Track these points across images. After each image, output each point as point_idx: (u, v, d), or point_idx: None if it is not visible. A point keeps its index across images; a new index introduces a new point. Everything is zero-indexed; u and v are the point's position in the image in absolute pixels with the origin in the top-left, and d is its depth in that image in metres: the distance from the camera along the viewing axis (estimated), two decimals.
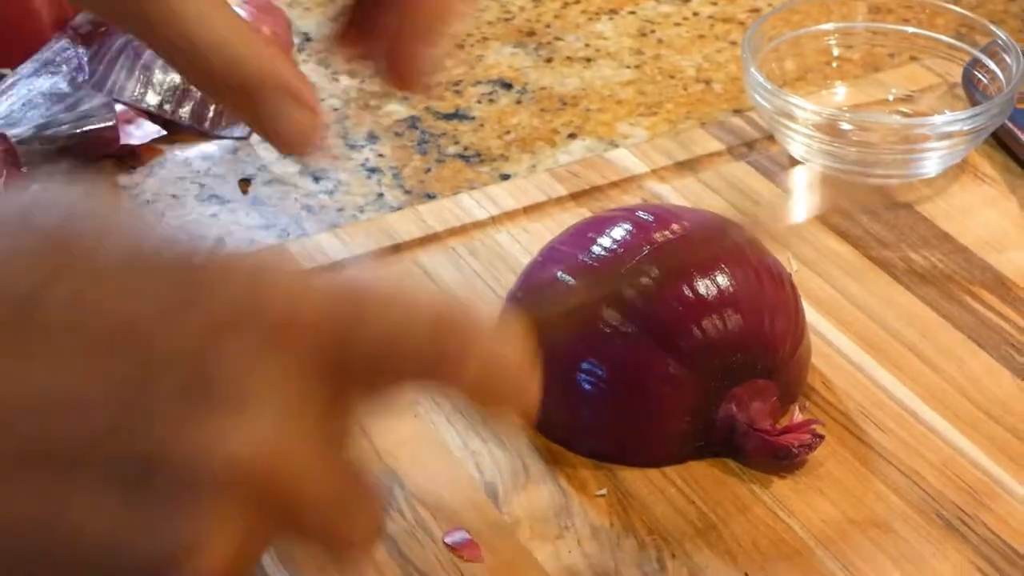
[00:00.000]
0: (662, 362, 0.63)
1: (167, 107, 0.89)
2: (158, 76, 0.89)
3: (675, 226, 0.65)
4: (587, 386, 0.64)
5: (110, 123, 0.85)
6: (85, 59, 0.90)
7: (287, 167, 0.86)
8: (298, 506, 0.38)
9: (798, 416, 0.65)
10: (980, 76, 0.86)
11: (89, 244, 0.37)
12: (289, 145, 0.54)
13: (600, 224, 0.67)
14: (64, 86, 0.88)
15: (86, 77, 0.89)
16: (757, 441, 0.63)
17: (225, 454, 0.35)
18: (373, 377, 0.41)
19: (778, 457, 0.63)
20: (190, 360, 0.36)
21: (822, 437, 0.64)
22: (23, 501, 0.35)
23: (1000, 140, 0.86)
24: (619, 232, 0.65)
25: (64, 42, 0.91)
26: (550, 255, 0.68)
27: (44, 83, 0.88)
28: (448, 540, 0.61)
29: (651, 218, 0.66)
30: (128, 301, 0.36)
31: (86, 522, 0.35)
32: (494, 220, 0.80)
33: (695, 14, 1.01)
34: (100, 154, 0.86)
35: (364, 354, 0.39)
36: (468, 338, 0.41)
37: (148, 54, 0.90)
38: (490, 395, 0.42)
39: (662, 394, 0.64)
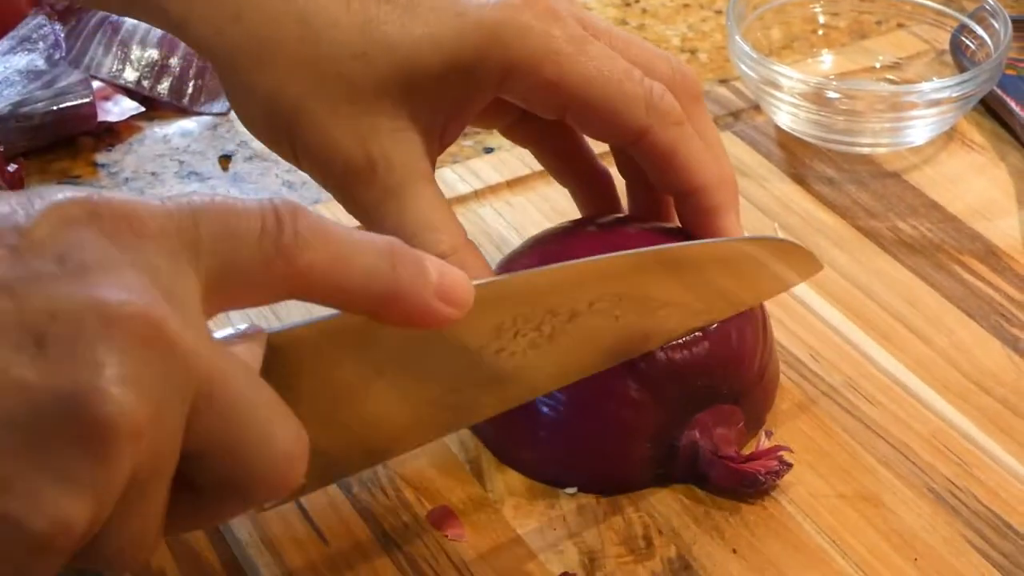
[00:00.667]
0: (623, 385, 0.60)
1: (145, 83, 0.88)
2: (136, 52, 0.88)
3: (644, 243, 0.62)
4: (545, 409, 0.61)
5: (87, 100, 0.84)
6: (62, 35, 0.89)
7: None
8: (193, 363, 0.41)
9: (764, 442, 0.63)
10: (968, 42, 0.86)
11: None
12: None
13: (561, 239, 0.64)
14: (41, 63, 0.87)
15: (63, 54, 0.88)
16: (722, 469, 0.61)
17: (106, 299, 0.40)
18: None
19: (744, 485, 0.61)
20: (53, 245, 0.40)
21: (790, 465, 0.61)
22: None
23: (989, 107, 0.85)
24: (582, 247, 0.61)
25: (40, 18, 0.90)
26: (509, 269, 0.63)
27: (20, 60, 0.87)
28: (432, 518, 0.60)
29: (616, 236, 0.64)
30: None
31: (5, 370, 0.39)
32: (477, 194, 0.79)
33: None
34: (78, 131, 0.85)
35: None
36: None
37: (125, 30, 0.89)
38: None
39: (623, 419, 0.60)
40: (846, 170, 0.81)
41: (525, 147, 0.69)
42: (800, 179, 0.80)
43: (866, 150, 0.82)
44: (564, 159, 0.68)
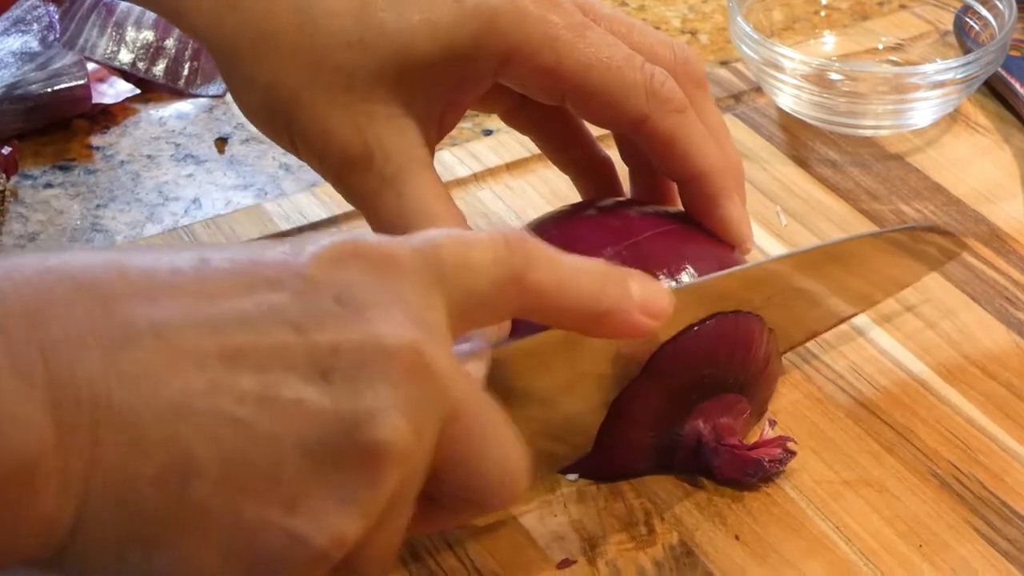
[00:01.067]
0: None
1: (140, 65, 0.87)
2: (131, 34, 0.88)
3: (645, 226, 0.62)
4: None
5: (81, 81, 0.83)
6: (56, 17, 0.88)
7: None
8: (448, 388, 0.45)
9: (768, 431, 0.62)
10: (972, 23, 0.85)
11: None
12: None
13: (561, 223, 0.63)
14: (35, 45, 0.86)
15: (57, 35, 0.87)
16: (727, 457, 0.60)
17: (384, 336, 0.44)
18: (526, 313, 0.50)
19: (748, 474, 0.60)
20: (331, 285, 0.45)
21: (794, 453, 0.61)
22: (241, 388, 0.42)
23: (993, 89, 0.84)
24: (583, 231, 0.62)
25: (34, 0, 0.89)
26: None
27: (14, 42, 0.86)
28: None
29: (617, 220, 0.63)
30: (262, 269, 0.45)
31: (302, 401, 0.43)
32: (476, 177, 0.78)
33: None
34: (72, 114, 0.84)
35: (531, 296, 0.49)
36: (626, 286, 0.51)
37: (120, 11, 0.88)
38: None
39: (627, 406, 0.59)
40: (849, 152, 0.80)
41: (525, 133, 0.68)
42: (802, 162, 0.80)
43: (869, 132, 0.81)
44: (564, 145, 0.68)
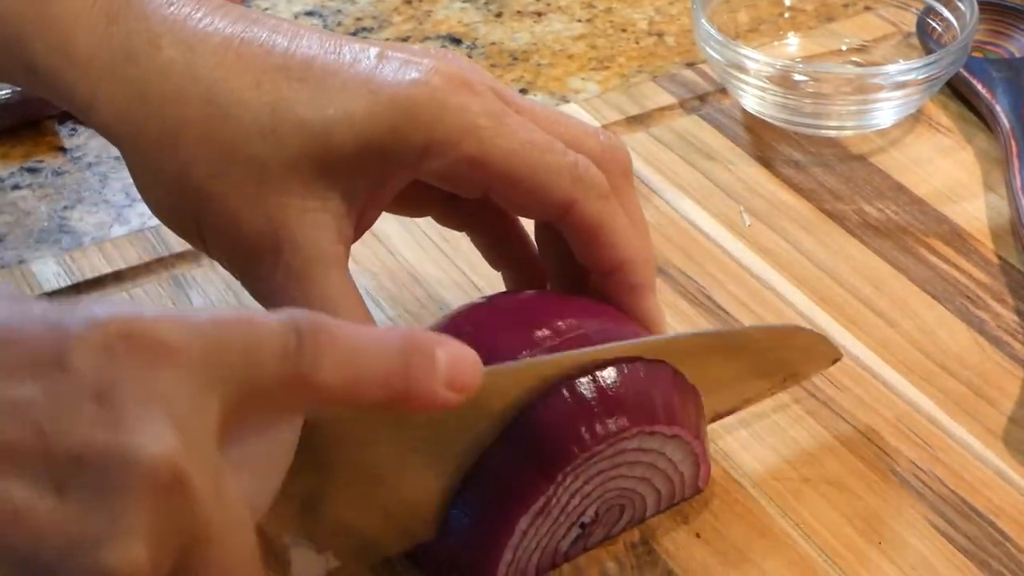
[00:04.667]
0: (528, 488, 0.55)
1: None
2: None
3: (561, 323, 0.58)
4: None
5: None
6: None
7: None
8: (201, 511, 0.41)
9: None
10: (934, 24, 0.85)
11: None
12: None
13: (477, 312, 0.60)
14: None
15: None
16: None
17: (137, 453, 0.39)
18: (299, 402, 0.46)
19: None
20: (92, 380, 0.40)
21: None
22: None
23: (955, 89, 0.85)
24: (496, 322, 0.59)
25: None
26: None
27: None
28: None
29: (531, 305, 0.60)
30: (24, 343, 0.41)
31: (24, 513, 0.39)
32: None
33: None
34: (42, 114, 0.84)
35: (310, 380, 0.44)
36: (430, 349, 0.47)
37: None
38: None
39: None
40: (812, 153, 0.81)
41: (461, 231, 0.66)
42: (766, 162, 0.80)
43: (832, 133, 0.81)
44: (498, 243, 0.65)
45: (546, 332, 0.57)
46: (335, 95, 0.56)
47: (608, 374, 0.55)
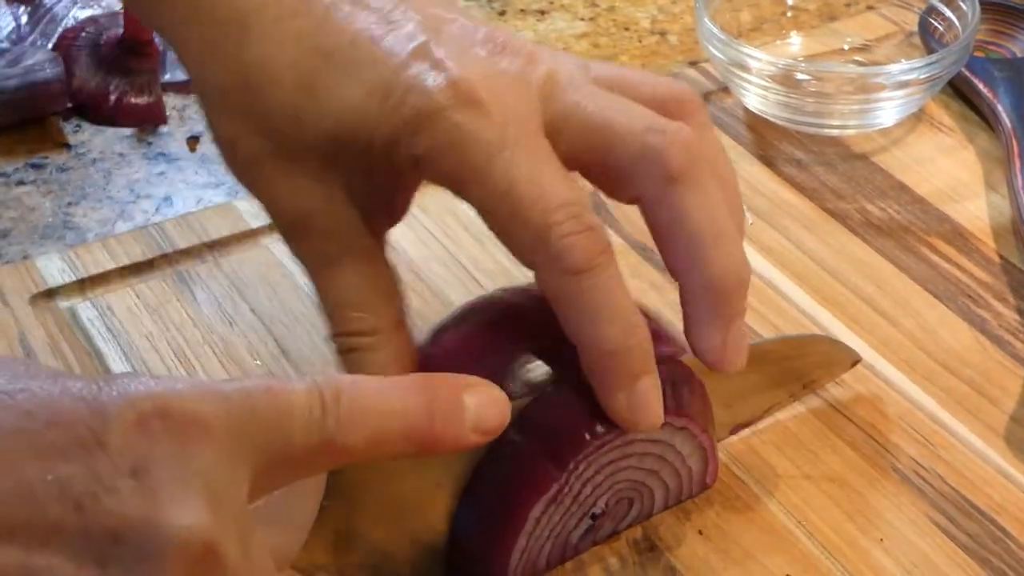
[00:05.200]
0: (541, 476, 0.55)
1: None
2: None
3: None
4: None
5: (58, 75, 0.84)
6: (23, 19, 0.88)
7: None
8: None
9: None
10: (936, 24, 0.86)
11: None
12: None
13: (488, 312, 0.60)
14: (3, 42, 0.86)
15: (26, 33, 0.87)
16: None
17: (171, 527, 0.41)
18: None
19: None
20: (129, 457, 0.42)
21: None
22: (5, 565, 0.40)
23: (957, 89, 0.85)
24: (508, 323, 0.58)
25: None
26: (437, 340, 0.60)
27: None
28: None
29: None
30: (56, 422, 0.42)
31: None
32: None
33: None
34: (49, 110, 0.85)
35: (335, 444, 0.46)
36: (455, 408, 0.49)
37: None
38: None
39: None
40: (815, 152, 0.81)
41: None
42: (768, 161, 0.80)
43: (835, 132, 0.82)
44: None
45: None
46: (357, 88, 0.55)
47: None
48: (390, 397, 0.48)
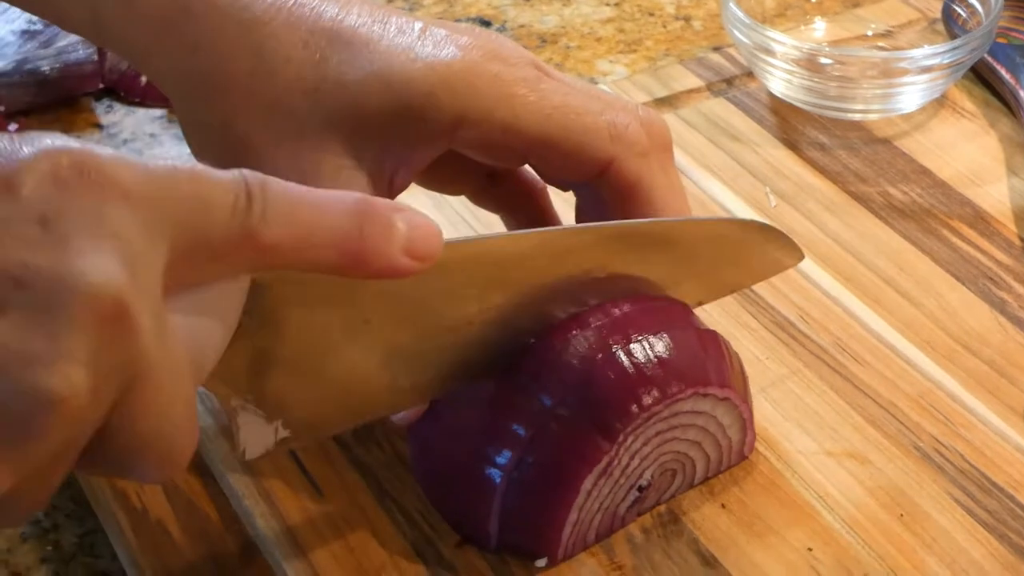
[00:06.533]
0: (594, 446, 0.56)
1: None
2: None
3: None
4: (496, 479, 0.57)
5: (90, 57, 0.85)
6: None
7: None
8: (143, 348, 0.41)
9: None
10: (959, 11, 0.86)
11: None
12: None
13: None
14: (37, 24, 0.87)
15: None
16: None
17: (80, 278, 0.39)
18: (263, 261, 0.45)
19: None
20: (39, 205, 0.40)
21: None
22: None
23: (979, 75, 0.86)
24: None
25: None
26: None
27: (16, 23, 0.88)
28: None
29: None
30: None
31: None
32: None
33: None
34: (81, 90, 0.86)
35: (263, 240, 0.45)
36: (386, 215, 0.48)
37: None
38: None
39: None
40: (838, 136, 0.82)
41: (495, 212, 0.67)
42: (792, 145, 0.81)
43: (858, 116, 0.82)
44: (531, 226, 0.65)
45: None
46: (376, 59, 0.57)
47: (663, 338, 0.57)
48: (320, 200, 0.47)
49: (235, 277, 0.47)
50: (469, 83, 0.57)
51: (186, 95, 0.59)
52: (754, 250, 0.63)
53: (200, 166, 0.45)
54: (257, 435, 0.54)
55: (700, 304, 0.64)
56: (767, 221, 0.66)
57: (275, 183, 0.46)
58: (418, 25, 0.59)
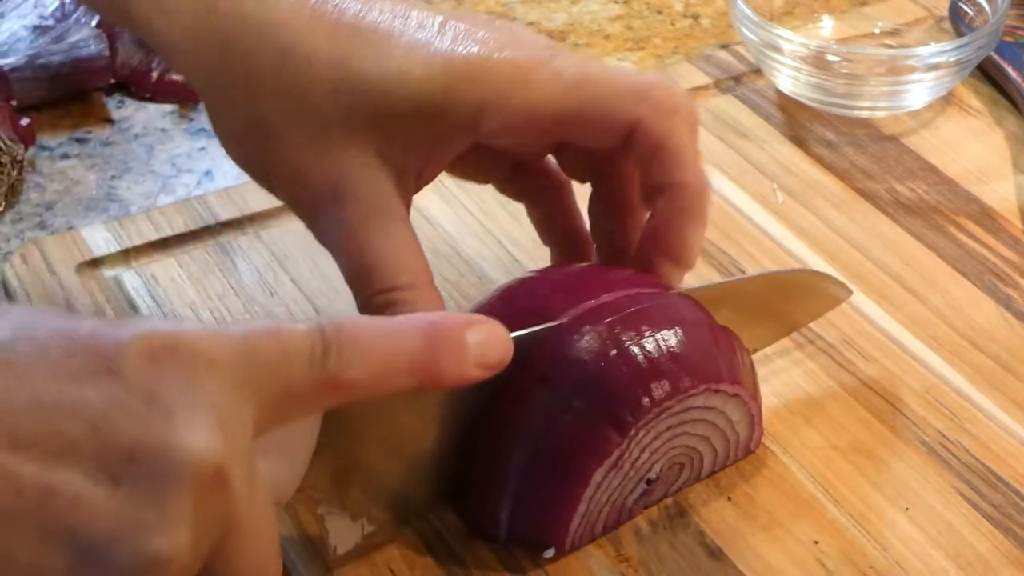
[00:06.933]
0: (603, 437, 0.57)
1: None
2: None
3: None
4: (508, 470, 0.57)
5: (102, 52, 0.85)
6: None
7: None
8: (236, 504, 0.45)
9: None
10: (966, 9, 0.87)
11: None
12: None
13: (528, 285, 0.61)
14: (48, 20, 0.88)
15: (70, 8, 0.89)
16: None
17: (185, 449, 0.43)
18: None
19: None
20: (142, 385, 0.44)
21: None
22: (22, 477, 0.42)
23: (986, 73, 0.86)
24: (548, 293, 0.60)
25: None
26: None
27: (27, 17, 0.88)
28: None
29: (582, 278, 0.62)
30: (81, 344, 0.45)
31: (83, 499, 0.42)
32: None
33: None
34: (92, 85, 0.86)
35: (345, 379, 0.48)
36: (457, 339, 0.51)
37: None
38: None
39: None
40: (845, 133, 0.82)
41: (519, 201, 0.67)
42: (800, 141, 0.82)
43: (865, 114, 0.83)
44: (554, 217, 0.66)
45: (594, 295, 0.59)
46: (397, 55, 0.58)
47: (676, 334, 0.58)
48: (392, 332, 0.50)
49: (319, 412, 0.51)
50: (486, 73, 0.58)
51: (213, 92, 0.61)
52: (806, 293, 0.66)
53: (277, 323, 0.48)
54: (345, 535, 0.57)
55: (757, 350, 0.65)
56: (813, 268, 0.70)
57: (350, 325, 0.49)
58: (438, 20, 0.60)
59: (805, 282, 0.67)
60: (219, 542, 0.45)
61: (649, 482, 0.59)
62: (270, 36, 0.59)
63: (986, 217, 0.76)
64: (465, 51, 0.58)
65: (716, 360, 0.58)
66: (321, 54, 0.58)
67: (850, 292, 0.67)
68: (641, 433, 0.57)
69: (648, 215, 0.62)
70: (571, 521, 0.57)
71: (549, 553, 0.58)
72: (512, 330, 0.56)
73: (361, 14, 0.59)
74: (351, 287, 0.59)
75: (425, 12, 0.60)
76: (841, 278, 0.68)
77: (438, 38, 0.59)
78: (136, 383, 0.44)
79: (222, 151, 0.59)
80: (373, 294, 0.58)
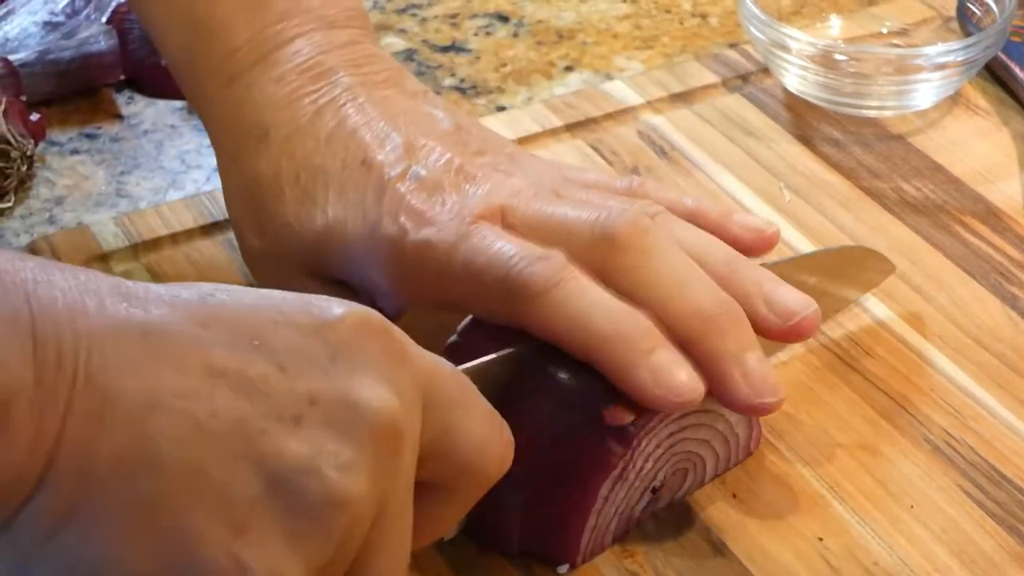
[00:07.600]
0: (607, 455, 0.57)
1: None
2: None
3: None
4: (515, 489, 0.56)
5: (112, 48, 0.86)
6: None
7: None
8: (397, 477, 0.47)
9: None
10: (974, 9, 0.87)
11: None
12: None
13: None
14: (59, 16, 0.88)
15: (81, 5, 0.89)
16: None
17: (365, 402, 0.46)
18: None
19: None
20: (333, 347, 0.47)
21: None
22: (216, 403, 0.44)
23: (993, 72, 0.86)
24: None
25: None
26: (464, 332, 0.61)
27: (38, 14, 0.88)
28: None
29: None
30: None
31: (267, 432, 0.45)
32: None
33: None
34: (102, 81, 0.87)
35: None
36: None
37: None
38: None
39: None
40: (852, 132, 0.82)
41: None
42: (807, 140, 0.82)
43: (872, 113, 0.83)
44: None
45: None
46: (343, 207, 0.62)
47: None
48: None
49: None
50: (400, 264, 0.61)
51: (224, 144, 0.67)
52: (855, 268, 0.69)
53: (473, 390, 0.52)
54: None
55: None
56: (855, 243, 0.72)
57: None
58: (395, 172, 0.62)
59: (852, 257, 0.69)
60: (373, 525, 0.46)
61: (655, 490, 0.59)
62: (258, 156, 0.66)
63: (992, 216, 0.76)
64: (390, 231, 0.61)
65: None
66: (288, 192, 0.64)
67: (894, 267, 0.69)
68: (644, 442, 0.57)
69: None
70: (581, 536, 0.57)
71: (563, 569, 0.58)
72: (509, 345, 0.57)
73: (335, 147, 0.64)
74: None
75: (389, 157, 0.62)
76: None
77: (382, 197, 0.61)
78: (328, 346, 0.46)
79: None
80: None
